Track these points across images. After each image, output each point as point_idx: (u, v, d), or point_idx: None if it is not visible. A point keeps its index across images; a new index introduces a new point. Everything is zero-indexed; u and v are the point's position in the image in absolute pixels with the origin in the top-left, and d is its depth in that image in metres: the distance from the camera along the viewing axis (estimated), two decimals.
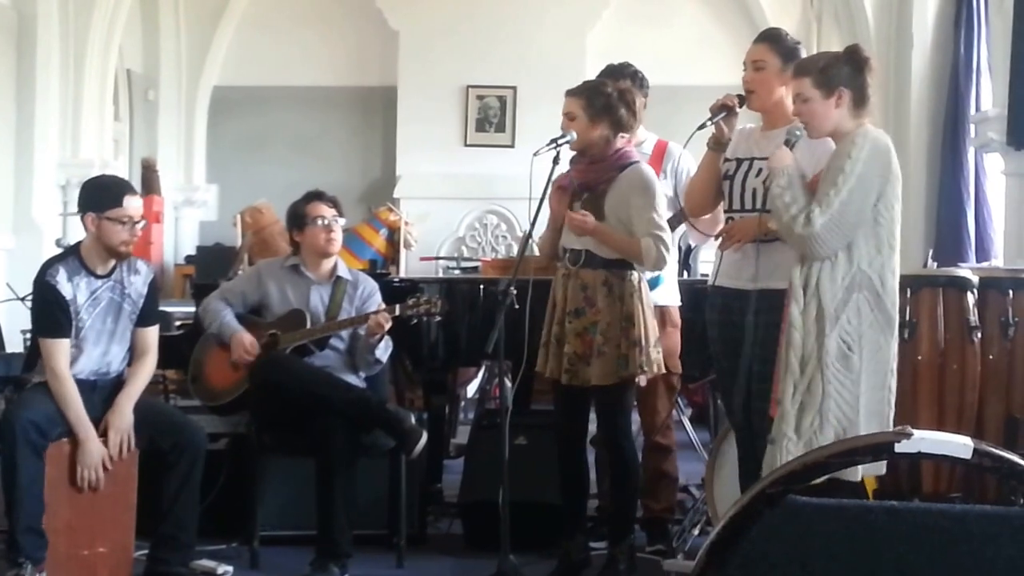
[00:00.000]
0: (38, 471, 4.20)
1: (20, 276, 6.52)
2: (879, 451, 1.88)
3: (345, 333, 4.99)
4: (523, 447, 5.04)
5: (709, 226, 4.44)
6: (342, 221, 5.10)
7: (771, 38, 4.21)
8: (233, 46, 11.24)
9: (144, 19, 10.72)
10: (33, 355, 4.48)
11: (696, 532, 5.00)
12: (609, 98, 4.37)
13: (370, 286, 5.11)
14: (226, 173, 11.27)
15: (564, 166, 4.42)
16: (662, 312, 4.78)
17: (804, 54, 4.12)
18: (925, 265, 4.96)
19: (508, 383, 4.99)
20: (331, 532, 4.57)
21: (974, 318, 4.26)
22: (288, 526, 4.98)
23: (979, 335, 4.26)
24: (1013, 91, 6.20)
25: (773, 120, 4.13)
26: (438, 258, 9.89)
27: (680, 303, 4.93)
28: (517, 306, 4.30)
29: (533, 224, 4.41)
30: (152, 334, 4.60)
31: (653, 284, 4.65)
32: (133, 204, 4.43)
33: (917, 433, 1.77)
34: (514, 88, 10.69)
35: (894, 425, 3.61)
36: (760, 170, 4.00)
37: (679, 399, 5.90)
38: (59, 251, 4.93)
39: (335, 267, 5.08)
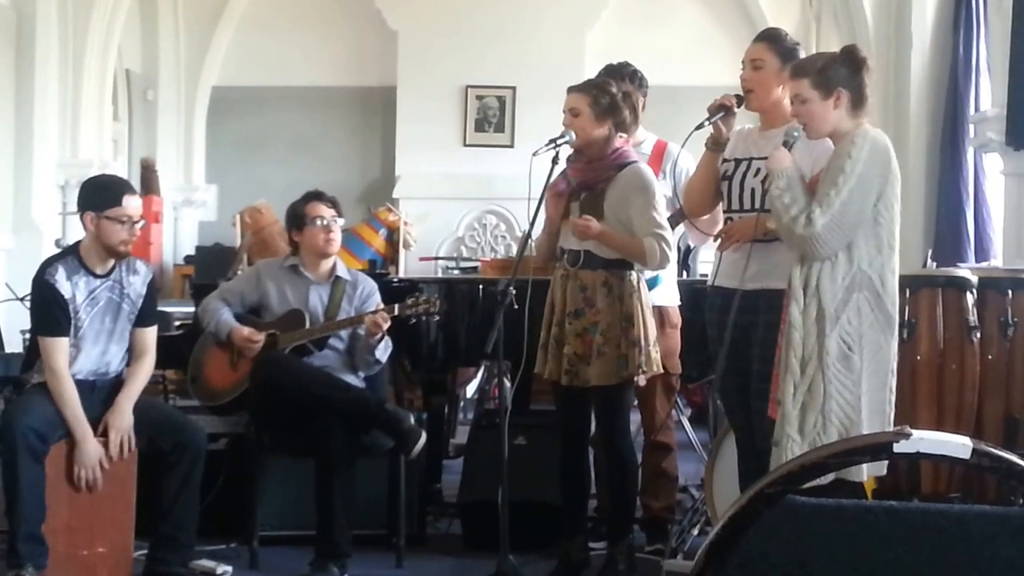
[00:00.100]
0: (39, 477, 4.19)
1: (19, 276, 6.52)
2: (878, 451, 1.88)
3: (344, 333, 4.99)
4: (522, 447, 5.04)
5: (708, 226, 4.44)
6: (341, 221, 5.10)
7: (770, 38, 4.21)
8: (232, 46, 11.24)
9: (143, 19, 10.72)
10: (32, 354, 4.48)
11: (695, 532, 5.00)
12: (614, 98, 4.38)
13: (369, 286, 5.11)
14: (225, 173, 11.27)
15: (563, 166, 4.42)
16: (661, 312, 4.78)
17: (803, 54, 4.12)
18: (924, 265, 4.96)
19: (507, 383, 4.99)
20: (330, 532, 4.57)
21: (973, 318, 4.26)
22: (287, 526, 4.98)
23: (978, 335, 4.26)
24: (1012, 91, 6.20)
25: (771, 120, 4.13)
26: (437, 258, 9.89)
27: (679, 303, 4.93)
28: (516, 306, 4.30)
29: (532, 224, 4.41)
30: (151, 334, 4.60)
31: (652, 284, 4.65)
32: (132, 204, 4.43)
33: (916, 433, 1.77)
34: (513, 88, 10.69)
35: (894, 425, 3.61)
36: (759, 170, 4.00)
37: (678, 399, 5.90)
38: (58, 251, 4.93)
39: (334, 267, 5.08)
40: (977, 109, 7.16)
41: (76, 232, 5.88)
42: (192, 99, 11.13)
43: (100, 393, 4.45)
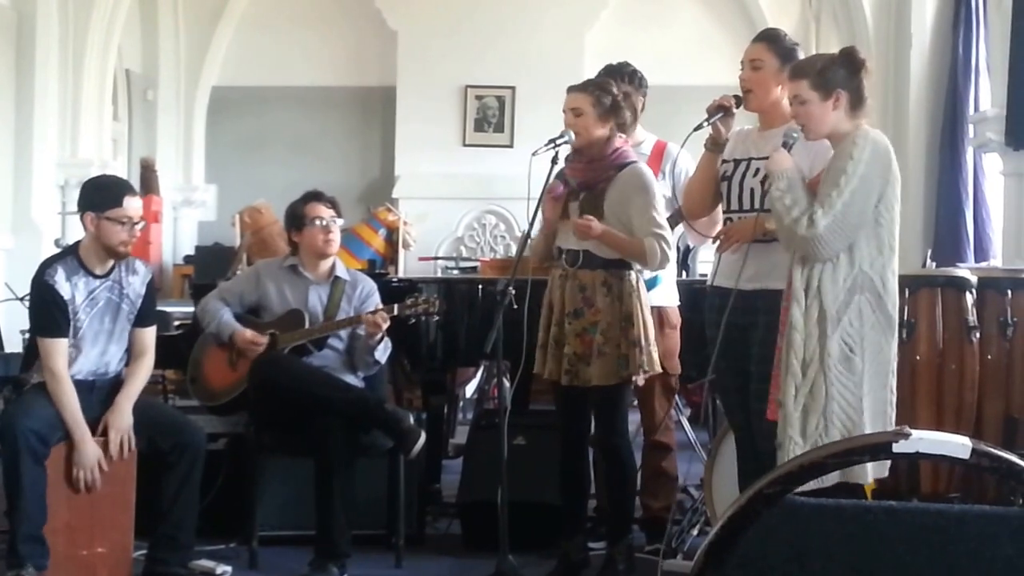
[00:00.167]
0: (40, 479, 4.19)
1: (19, 276, 6.52)
2: (877, 451, 1.88)
3: (344, 333, 4.99)
4: (522, 447, 5.04)
5: (707, 227, 4.43)
6: (340, 222, 5.10)
7: (769, 38, 4.21)
8: (232, 46, 11.24)
9: (143, 19, 10.72)
10: (31, 354, 4.48)
11: (695, 532, 5.00)
12: (616, 98, 4.38)
13: (369, 286, 5.11)
14: (225, 173, 11.27)
15: (562, 166, 4.42)
16: (660, 313, 4.78)
17: (802, 55, 4.12)
18: (924, 265, 4.96)
19: (507, 383, 4.99)
20: (330, 532, 4.57)
21: (973, 318, 4.26)
22: (287, 526, 4.98)
23: (978, 335, 4.26)
24: (1011, 91, 6.21)
25: (770, 120, 4.13)
26: (437, 258, 9.90)
27: (679, 303, 4.93)
28: (515, 306, 4.30)
29: (532, 224, 4.41)
30: (150, 334, 4.59)
31: (651, 284, 4.65)
32: (133, 205, 4.43)
33: (915, 433, 1.77)
34: (513, 88, 10.69)
35: (894, 426, 3.61)
36: (758, 170, 4.00)
37: (678, 399, 5.90)
38: (58, 251, 4.93)
39: (333, 267, 5.09)
40: (976, 109, 7.16)
41: (76, 232, 5.89)
42: (192, 99, 11.13)
43: (99, 393, 4.45)
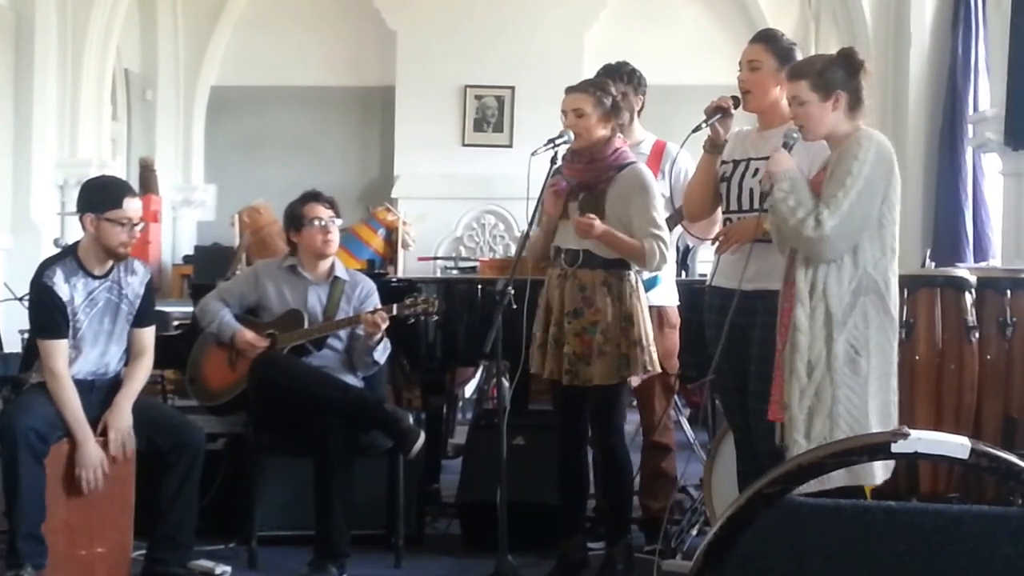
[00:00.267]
0: (39, 477, 4.19)
1: (18, 276, 6.52)
2: (875, 451, 1.88)
3: (343, 333, 4.99)
4: (521, 447, 5.04)
5: (705, 229, 4.43)
6: (339, 222, 5.10)
7: (767, 38, 4.21)
8: (231, 46, 11.23)
9: (142, 19, 10.72)
10: (31, 355, 4.48)
11: (694, 532, 5.00)
12: (616, 99, 4.39)
13: (368, 286, 5.11)
14: (224, 173, 11.27)
15: (559, 165, 4.42)
16: (660, 312, 4.78)
17: (800, 55, 4.12)
18: (923, 265, 4.96)
19: (506, 383, 4.99)
20: (329, 532, 4.57)
21: (972, 318, 4.27)
22: (286, 526, 4.98)
23: (977, 335, 4.26)
24: (1011, 91, 6.21)
25: (769, 120, 4.13)
26: (436, 258, 9.89)
27: (678, 303, 4.93)
28: (515, 306, 4.30)
29: (531, 224, 4.41)
30: (149, 334, 4.59)
31: (651, 284, 4.66)
32: (133, 206, 4.43)
33: (914, 433, 1.77)
34: (512, 88, 10.68)
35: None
36: (757, 170, 3.99)
37: (677, 399, 5.90)
38: (57, 251, 4.93)
39: (332, 267, 5.09)
40: (976, 109, 7.16)
41: (75, 232, 5.88)
42: (191, 99, 11.12)
43: (99, 393, 4.45)
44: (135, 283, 4.53)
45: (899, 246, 3.71)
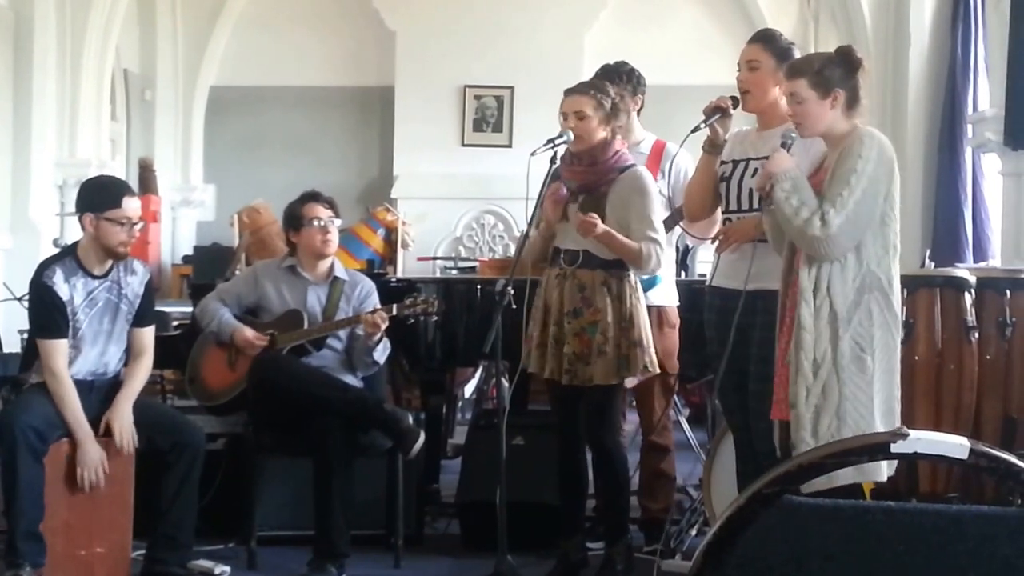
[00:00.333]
0: (38, 476, 4.20)
1: (17, 276, 6.52)
2: (875, 451, 1.88)
3: (343, 333, 4.99)
4: (520, 447, 5.04)
5: (704, 230, 4.43)
6: (338, 222, 5.09)
7: (765, 38, 4.22)
8: (230, 46, 11.23)
9: (141, 19, 10.72)
10: (30, 355, 4.48)
11: (694, 532, 5.00)
12: (614, 101, 4.39)
13: (367, 286, 5.11)
14: (223, 173, 11.27)
15: (557, 166, 4.42)
16: (660, 312, 4.78)
17: (798, 55, 4.12)
18: (922, 265, 4.96)
19: (505, 383, 4.99)
20: (328, 532, 4.57)
21: (971, 318, 4.26)
22: (285, 526, 4.98)
23: (976, 335, 4.26)
24: (1010, 91, 6.21)
25: (768, 120, 4.14)
26: (435, 258, 9.89)
27: (678, 303, 4.93)
28: (514, 306, 4.30)
29: (530, 224, 4.41)
30: (148, 334, 4.60)
31: (651, 284, 4.66)
32: (132, 205, 4.43)
33: (913, 433, 1.77)
34: (511, 88, 10.68)
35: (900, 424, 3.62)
36: (756, 170, 4.00)
37: (676, 399, 5.90)
38: (56, 251, 4.93)
39: (331, 267, 5.09)
40: (975, 109, 7.16)
41: (74, 232, 5.89)
42: (190, 99, 11.12)
43: (98, 393, 4.45)
44: (135, 283, 4.53)
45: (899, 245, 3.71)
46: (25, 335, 5.03)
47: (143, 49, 10.84)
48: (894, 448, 1.76)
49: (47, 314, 4.35)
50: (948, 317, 4.27)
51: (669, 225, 4.78)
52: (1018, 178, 6.45)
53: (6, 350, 6.44)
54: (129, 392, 4.45)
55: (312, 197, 5.08)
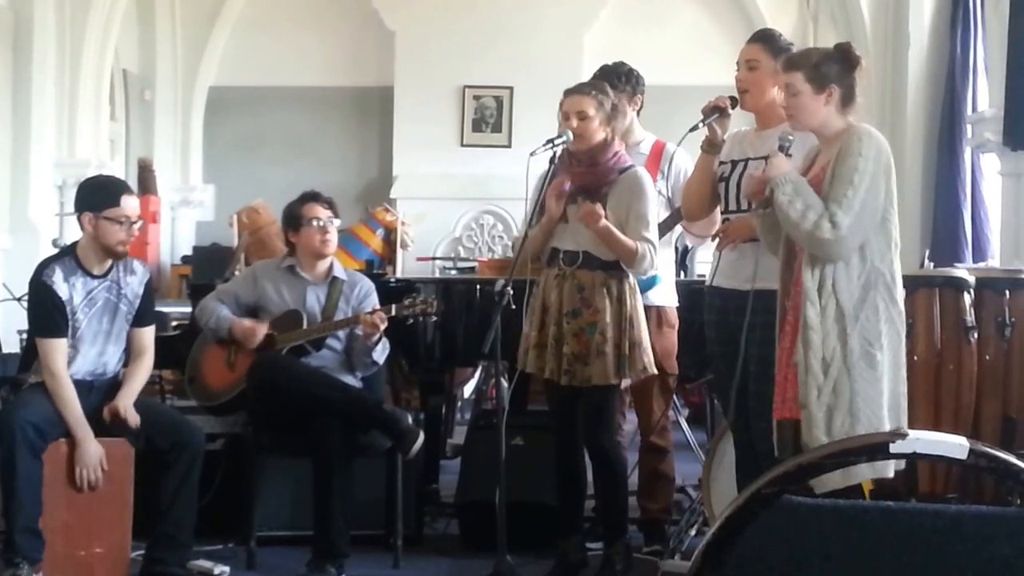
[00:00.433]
0: (36, 472, 4.20)
1: (17, 276, 6.52)
2: (874, 451, 1.88)
3: (342, 334, 4.99)
4: (520, 447, 5.04)
5: (704, 228, 4.44)
6: (337, 222, 5.10)
7: (765, 38, 4.22)
8: (229, 46, 11.22)
9: (140, 19, 10.71)
10: (29, 355, 4.48)
11: (693, 532, 5.00)
12: (614, 102, 4.41)
13: (367, 286, 5.11)
14: (223, 173, 11.26)
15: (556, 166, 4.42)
16: (659, 312, 4.79)
17: None
18: (921, 265, 4.95)
19: (504, 383, 4.99)
20: (328, 532, 4.57)
21: (970, 318, 4.26)
22: (285, 526, 4.98)
23: (975, 335, 4.26)
24: (1009, 91, 6.21)
25: (766, 120, 4.14)
26: (435, 258, 9.88)
27: (677, 304, 4.93)
28: (514, 306, 4.30)
29: (530, 224, 4.41)
30: (148, 334, 4.60)
31: (650, 284, 4.66)
32: (131, 204, 4.43)
33: (913, 433, 1.77)
34: (511, 88, 10.68)
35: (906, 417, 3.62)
36: (755, 169, 4.00)
37: (676, 400, 5.90)
38: (55, 251, 4.93)
39: (331, 268, 5.08)
40: (974, 109, 7.16)
41: (73, 232, 5.88)
42: (189, 99, 11.11)
43: (97, 393, 4.45)
44: (134, 283, 4.53)
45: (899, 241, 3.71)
46: (24, 336, 5.03)
47: (142, 49, 10.84)
48: (893, 448, 1.76)
49: (46, 313, 4.35)
50: (947, 317, 4.27)
51: (669, 225, 4.78)
52: (1017, 178, 6.45)
53: (5, 350, 6.44)
54: (129, 391, 4.45)
55: (311, 197, 5.08)
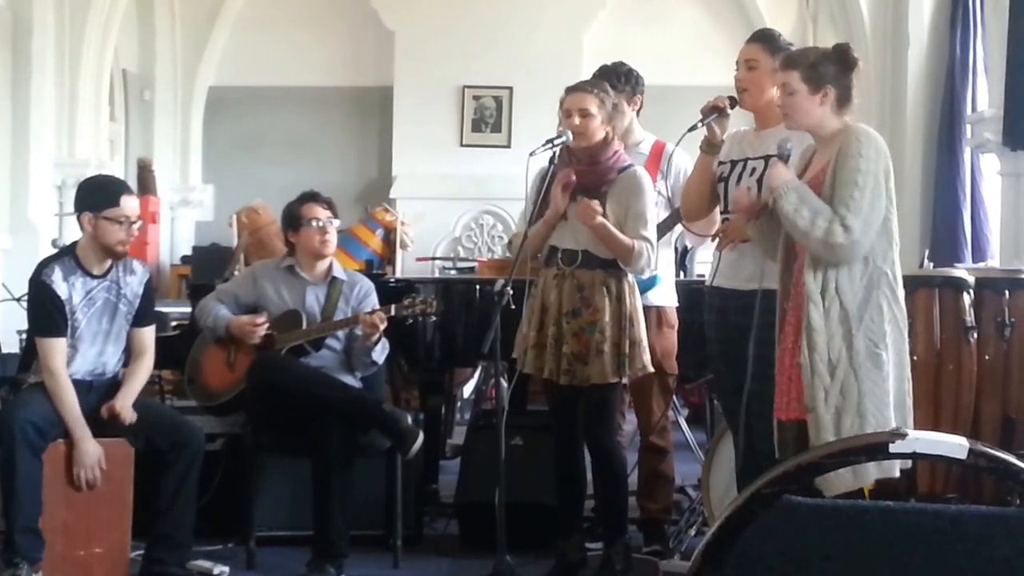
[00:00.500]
0: (36, 471, 4.20)
1: (16, 276, 6.52)
2: (874, 451, 1.88)
3: (341, 334, 4.98)
4: (519, 447, 5.04)
5: (704, 228, 4.43)
6: (337, 222, 5.10)
7: (764, 38, 4.23)
8: (229, 46, 11.22)
9: (140, 19, 10.71)
10: (29, 355, 4.48)
11: (692, 532, 5.00)
12: (614, 101, 4.41)
13: (366, 286, 5.11)
14: (222, 173, 11.26)
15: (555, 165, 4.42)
16: (659, 312, 4.78)
17: None
18: (921, 265, 4.96)
19: (504, 383, 4.99)
20: (327, 532, 4.57)
21: (970, 318, 4.26)
22: (284, 526, 4.98)
23: (975, 335, 4.26)
24: (1009, 91, 6.21)
25: (765, 120, 4.14)
26: (434, 258, 9.88)
27: (676, 304, 4.93)
28: (513, 306, 4.30)
29: (530, 224, 4.41)
30: (148, 334, 4.60)
31: (650, 284, 4.66)
32: (130, 204, 4.43)
33: (912, 433, 1.77)
34: (510, 88, 10.67)
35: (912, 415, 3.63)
36: (754, 170, 4.00)
37: (675, 400, 5.90)
38: (55, 251, 4.93)
39: (330, 268, 5.08)
40: (974, 109, 7.16)
41: (73, 232, 5.88)
42: (189, 99, 11.11)
43: (97, 393, 4.45)
44: (134, 283, 4.53)
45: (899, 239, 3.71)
46: (24, 336, 5.03)
47: (142, 49, 10.83)
48: (893, 448, 1.76)
49: (46, 313, 4.35)
50: (947, 317, 4.27)
51: (669, 225, 4.78)
52: (1017, 178, 6.45)
53: (5, 351, 6.44)
54: (129, 391, 4.45)
55: (311, 197, 5.08)
